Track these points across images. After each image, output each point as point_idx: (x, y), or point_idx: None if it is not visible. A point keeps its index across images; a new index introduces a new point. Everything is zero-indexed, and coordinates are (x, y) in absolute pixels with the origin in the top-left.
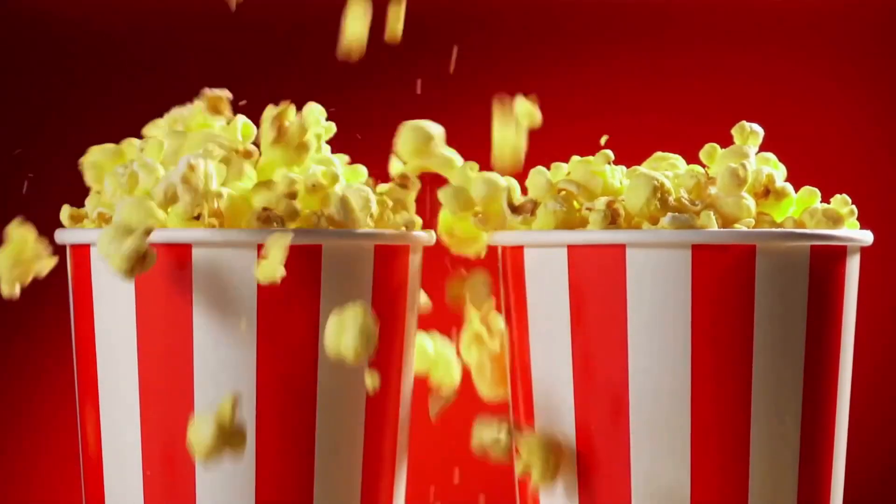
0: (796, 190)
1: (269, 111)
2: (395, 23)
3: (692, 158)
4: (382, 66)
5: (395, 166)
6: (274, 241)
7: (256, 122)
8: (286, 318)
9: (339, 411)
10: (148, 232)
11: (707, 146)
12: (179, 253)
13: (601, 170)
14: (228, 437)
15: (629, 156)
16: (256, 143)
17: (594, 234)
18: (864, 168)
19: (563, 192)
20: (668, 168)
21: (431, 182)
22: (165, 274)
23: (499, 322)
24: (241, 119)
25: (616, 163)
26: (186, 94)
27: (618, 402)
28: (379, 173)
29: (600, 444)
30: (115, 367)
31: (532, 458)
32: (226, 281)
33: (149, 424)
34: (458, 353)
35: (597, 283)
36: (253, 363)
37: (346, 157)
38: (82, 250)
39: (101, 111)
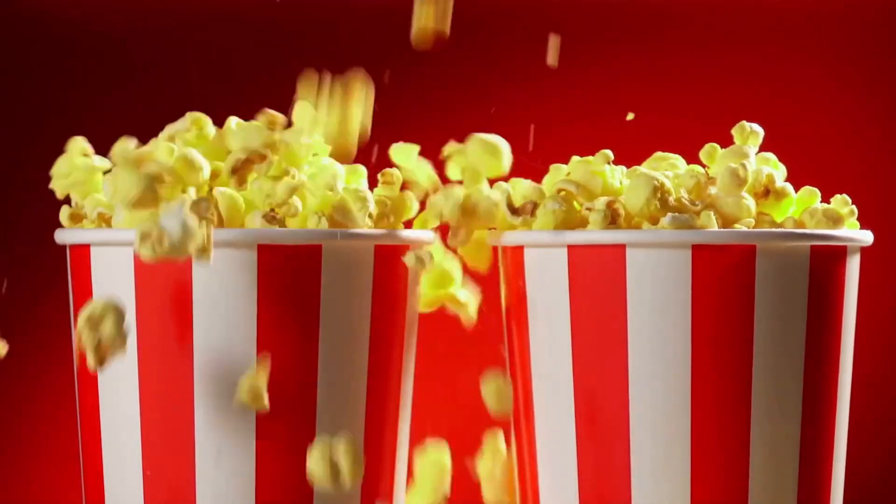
0: (796, 190)
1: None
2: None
3: (692, 158)
4: (383, 67)
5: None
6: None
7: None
8: (286, 318)
9: (340, 411)
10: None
11: (707, 146)
12: None
13: (601, 170)
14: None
15: (629, 156)
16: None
17: (594, 234)
18: (864, 168)
19: (563, 192)
20: (668, 168)
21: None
22: (165, 274)
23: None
24: (234, 120)
25: (616, 163)
26: (186, 94)
27: (618, 402)
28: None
29: (600, 444)
30: (115, 367)
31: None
32: (226, 281)
33: (149, 424)
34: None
35: (597, 283)
36: (253, 363)
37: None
38: (82, 250)
39: (101, 111)
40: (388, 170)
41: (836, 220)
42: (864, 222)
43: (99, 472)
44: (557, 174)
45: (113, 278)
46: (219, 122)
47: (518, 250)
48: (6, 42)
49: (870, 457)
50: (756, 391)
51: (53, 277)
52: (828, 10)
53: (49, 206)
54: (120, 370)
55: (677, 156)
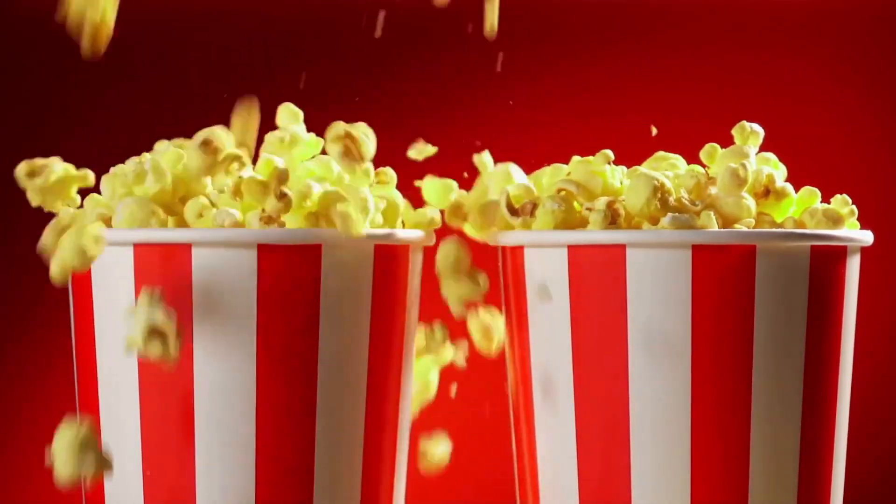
0: (796, 190)
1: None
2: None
3: (692, 158)
4: (382, 66)
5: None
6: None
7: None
8: (286, 317)
9: (339, 411)
10: None
11: (707, 146)
12: (179, 253)
13: (601, 170)
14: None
15: (629, 156)
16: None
17: (594, 234)
18: (864, 168)
19: (563, 192)
20: (668, 168)
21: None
22: (165, 274)
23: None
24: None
25: (616, 163)
26: (186, 95)
27: (618, 402)
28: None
29: (601, 444)
30: (115, 368)
31: None
32: (226, 281)
33: (149, 424)
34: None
35: (597, 283)
36: (253, 363)
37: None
38: None
39: (101, 111)
40: (382, 169)
41: (836, 220)
42: (864, 222)
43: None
44: (557, 174)
45: (113, 278)
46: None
47: (518, 250)
48: (6, 42)
49: (870, 457)
50: (756, 391)
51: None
52: (828, 10)
53: None
54: (120, 370)
55: (677, 156)
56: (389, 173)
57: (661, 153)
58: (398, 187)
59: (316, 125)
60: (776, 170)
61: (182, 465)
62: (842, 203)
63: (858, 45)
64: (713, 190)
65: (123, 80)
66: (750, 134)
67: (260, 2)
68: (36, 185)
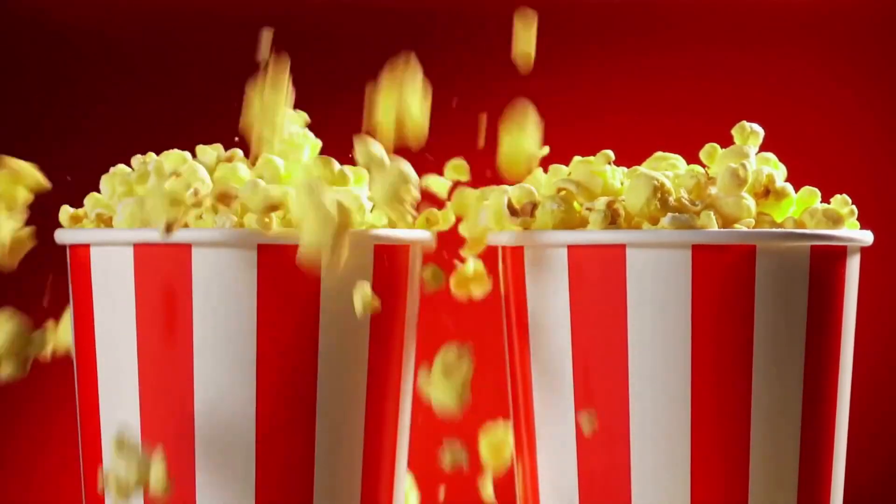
0: (796, 190)
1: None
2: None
3: (692, 158)
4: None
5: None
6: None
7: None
8: (286, 318)
9: (340, 411)
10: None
11: (707, 146)
12: (179, 253)
13: (602, 170)
14: None
15: (629, 156)
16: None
17: (594, 234)
18: (864, 168)
19: (563, 192)
20: (668, 168)
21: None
22: (165, 274)
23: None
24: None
25: (616, 163)
26: (186, 95)
27: (618, 402)
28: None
29: (600, 444)
30: (115, 367)
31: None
32: (226, 281)
33: (149, 424)
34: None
35: (597, 283)
36: (253, 363)
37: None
38: (82, 250)
39: (101, 111)
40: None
41: (836, 220)
42: (864, 222)
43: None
44: (557, 174)
45: (113, 278)
46: (219, 122)
47: (518, 250)
48: (6, 42)
49: (870, 457)
50: (756, 391)
51: (53, 277)
52: (828, 9)
53: (49, 206)
54: (120, 370)
55: (677, 156)
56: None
57: (661, 153)
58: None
59: (315, 125)
60: (776, 170)
61: (182, 465)
62: (842, 203)
63: (858, 45)
64: (713, 190)
65: (123, 81)
66: (750, 134)
67: (260, 2)
68: None
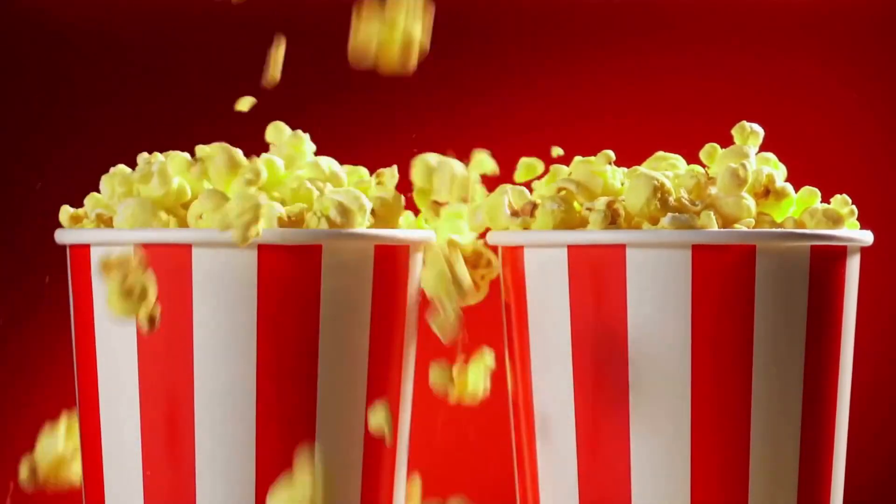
0: (796, 190)
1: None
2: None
3: (692, 158)
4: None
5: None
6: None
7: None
8: (286, 318)
9: (340, 411)
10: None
11: (707, 146)
12: (179, 253)
13: (602, 170)
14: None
15: (629, 156)
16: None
17: (594, 234)
18: (864, 168)
19: (563, 192)
20: (668, 168)
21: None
22: (165, 274)
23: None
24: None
25: (616, 163)
26: (186, 95)
27: (618, 402)
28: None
29: (601, 444)
30: (115, 367)
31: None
32: (226, 281)
33: (149, 424)
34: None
35: (597, 283)
36: (253, 363)
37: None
38: (82, 250)
39: (102, 111)
40: (382, 170)
41: (836, 220)
42: (864, 222)
43: (99, 473)
44: (558, 174)
45: None
46: (219, 122)
47: (518, 250)
48: (6, 42)
49: (870, 457)
50: (756, 391)
51: (53, 277)
52: (828, 9)
53: (49, 206)
54: (120, 370)
55: (677, 156)
56: (389, 174)
57: (661, 153)
58: (398, 188)
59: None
60: (776, 170)
61: (182, 465)
62: (842, 203)
63: (858, 45)
64: (713, 190)
65: (123, 81)
66: (750, 134)
67: (260, 2)
68: None
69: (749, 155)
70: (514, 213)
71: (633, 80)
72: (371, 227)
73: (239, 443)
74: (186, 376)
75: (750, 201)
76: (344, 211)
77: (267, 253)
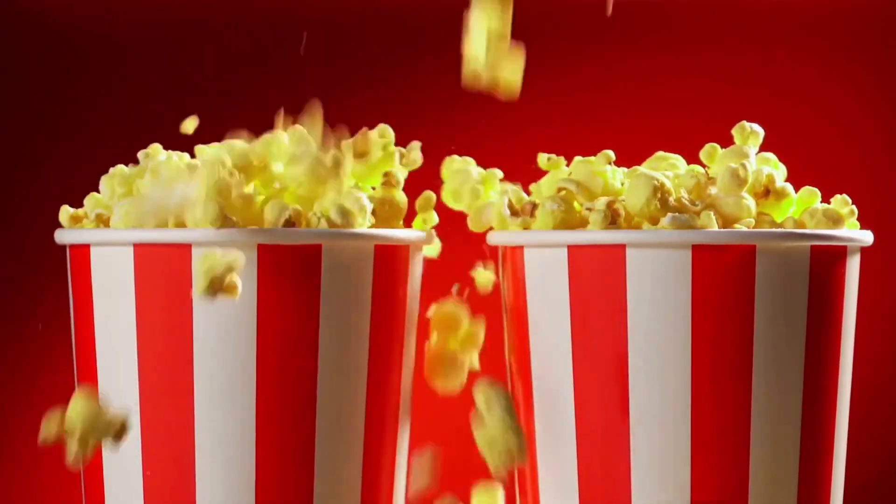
0: (796, 190)
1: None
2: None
3: (692, 158)
4: (381, 66)
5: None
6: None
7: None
8: (286, 318)
9: (340, 411)
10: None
11: (707, 146)
12: (179, 253)
13: (602, 170)
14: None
15: (629, 156)
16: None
17: (594, 234)
18: (864, 168)
19: (564, 192)
20: (668, 168)
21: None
22: (165, 274)
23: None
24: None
25: (616, 163)
26: (186, 95)
27: (618, 402)
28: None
29: (601, 444)
30: (116, 368)
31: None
32: None
33: (149, 424)
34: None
35: (597, 283)
36: (253, 363)
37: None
38: (82, 250)
39: (101, 111)
40: (388, 170)
41: (836, 220)
42: (864, 222)
43: (99, 473)
44: (558, 174)
45: (113, 278)
46: (218, 122)
47: (518, 250)
48: (6, 42)
49: (870, 457)
50: (756, 391)
51: (53, 277)
52: (828, 9)
53: (49, 206)
54: (120, 370)
55: (677, 156)
56: (396, 176)
57: (661, 153)
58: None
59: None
60: (776, 170)
61: (182, 465)
62: (842, 203)
63: (858, 45)
64: (713, 190)
65: (124, 80)
66: (750, 134)
67: (259, 2)
68: None
69: (749, 155)
70: (514, 213)
71: (633, 80)
72: (371, 227)
73: (239, 443)
74: (186, 376)
75: (750, 201)
76: (344, 211)
77: (267, 253)
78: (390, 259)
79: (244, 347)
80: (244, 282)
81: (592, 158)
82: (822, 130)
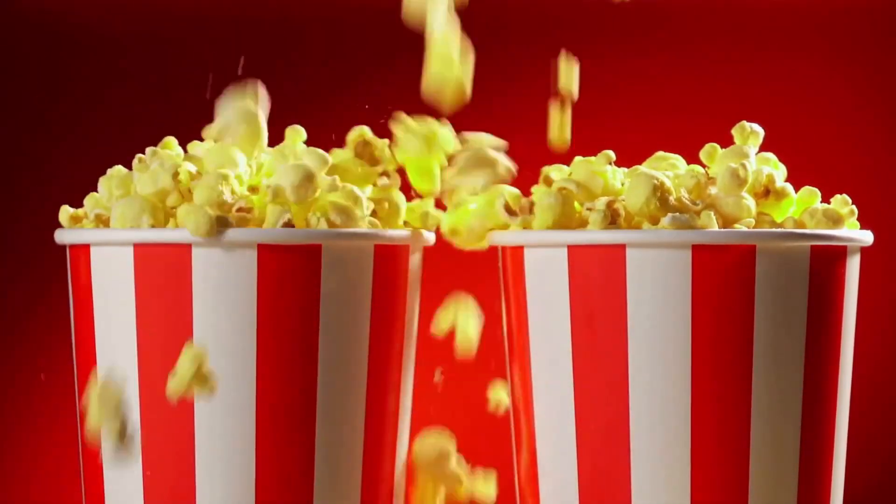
0: (796, 190)
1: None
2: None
3: (692, 158)
4: (381, 66)
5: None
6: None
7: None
8: (286, 317)
9: (340, 411)
10: None
11: (707, 146)
12: (179, 253)
13: (602, 170)
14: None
15: (629, 156)
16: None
17: (594, 234)
18: (864, 168)
19: (564, 191)
20: (668, 168)
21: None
22: (165, 274)
23: None
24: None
25: (616, 163)
26: (186, 95)
27: (618, 402)
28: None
29: (601, 444)
30: (115, 368)
31: None
32: (226, 281)
33: (149, 424)
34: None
35: (597, 283)
36: (253, 363)
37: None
38: (82, 250)
39: (101, 111)
40: (386, 170)
41: (836, 220)
42: (864, 222)
43: (99, 473)
44: (558, 174)
45: (113, 278)
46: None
47: (518, 250)
48: (6, 42)
49: (870, 457)
50: (756, 391)
51: (53, 277)
52: (828, 9)
53: (49, 206)
54: (120, 370)
55: (677, 156)
56: (392, 174)
57: (661, 153)
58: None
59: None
60: (776, 170)
61: (182, 465)
62: (842, 203)
63: (858, 45)
64: (713, 190)
65: (123, 80)
66: (750, 134)
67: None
68: None
69: (749, 155)
70: (511, 213)
71: (633, 80)
72: (371, 227)
73: (239, 442)
74: None
75: (750, 201)
76: (344, 211)
77: (267, 253)
78: (390, 259)
79: (244, 347)
80: (245, 282)
81: (592, 158)
82: (822, 130)
